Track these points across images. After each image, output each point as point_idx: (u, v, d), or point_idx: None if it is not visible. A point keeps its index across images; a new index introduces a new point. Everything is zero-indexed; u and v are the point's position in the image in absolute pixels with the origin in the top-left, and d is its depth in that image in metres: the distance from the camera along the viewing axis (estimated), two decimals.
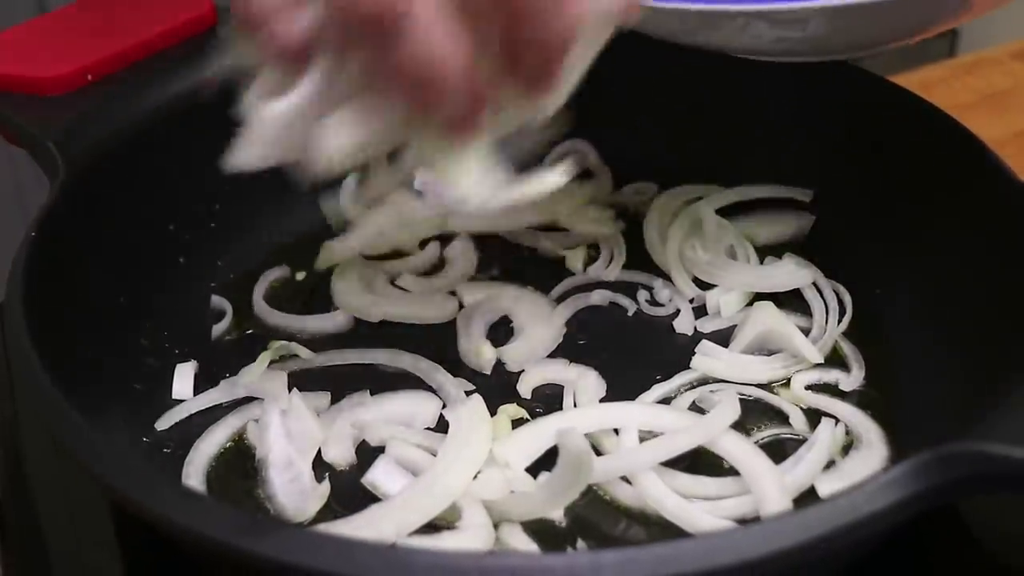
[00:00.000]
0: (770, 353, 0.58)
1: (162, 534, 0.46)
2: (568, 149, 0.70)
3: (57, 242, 0.53)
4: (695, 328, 0.60)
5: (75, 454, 0.43)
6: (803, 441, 0.52)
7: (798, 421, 0.54)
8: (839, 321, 0.59)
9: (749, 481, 0.49)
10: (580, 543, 0.48)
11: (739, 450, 0.50)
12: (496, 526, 0.48)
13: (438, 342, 0.59)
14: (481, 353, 0.58)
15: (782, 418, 0.54)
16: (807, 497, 0.50)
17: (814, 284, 0.61)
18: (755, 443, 0.51)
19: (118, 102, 0.61)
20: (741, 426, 0.52)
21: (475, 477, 0.50)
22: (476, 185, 0.46)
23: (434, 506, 0.48)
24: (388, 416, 0.54)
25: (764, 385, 0.56)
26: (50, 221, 0.53)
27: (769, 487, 0.49)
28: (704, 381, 0.56)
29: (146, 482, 0.41)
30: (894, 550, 0.46)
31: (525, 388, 0.56)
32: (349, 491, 0.51)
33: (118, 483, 0.41)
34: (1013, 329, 0.48)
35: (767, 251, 0.64)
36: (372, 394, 0.56)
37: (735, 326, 0.59)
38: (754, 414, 0.54)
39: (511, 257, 0.65)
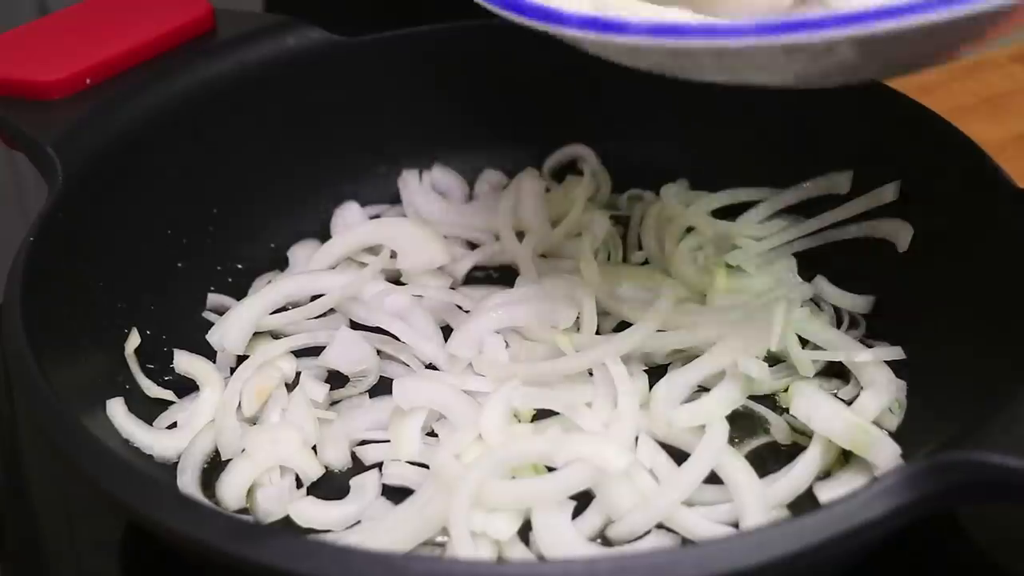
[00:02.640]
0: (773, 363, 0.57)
1: (160, 539, 0.46)
2: (568, 154, 0.70)
3: (56, 246, 0.53)
4: None
5: (72, 459, 0.43)
6: (800, 448, 0.52)
7: (779, 431, 0.53)
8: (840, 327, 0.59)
9: (732, 493, 0.49)
10: None
11: (725, 462, 0.50)
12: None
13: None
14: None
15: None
16: (805, 503, 0.50)
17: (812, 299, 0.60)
18: (749, 451, 0.51)
19: (117, 106, 0.61)
20: (731, 437, 0.52)
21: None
22: None
23: (423, 531, 0.47)
24: (385, 420, 0.54)
25: (768, 395, 0.55)
26: (49, 225, 0.53)
27: (749, 500, 0.48)
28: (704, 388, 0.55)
29: (143, 488, 0.41)
30: (892, 554, 0.46)
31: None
32: (343, 494, 0.51)
33: (116, 490, 0.41)
34: (1011, 337, 0.48)
35: (768, 258, 0.63)
36: (370, 397, 0.56)
37: None
38: (745, 423, 0.54)
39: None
